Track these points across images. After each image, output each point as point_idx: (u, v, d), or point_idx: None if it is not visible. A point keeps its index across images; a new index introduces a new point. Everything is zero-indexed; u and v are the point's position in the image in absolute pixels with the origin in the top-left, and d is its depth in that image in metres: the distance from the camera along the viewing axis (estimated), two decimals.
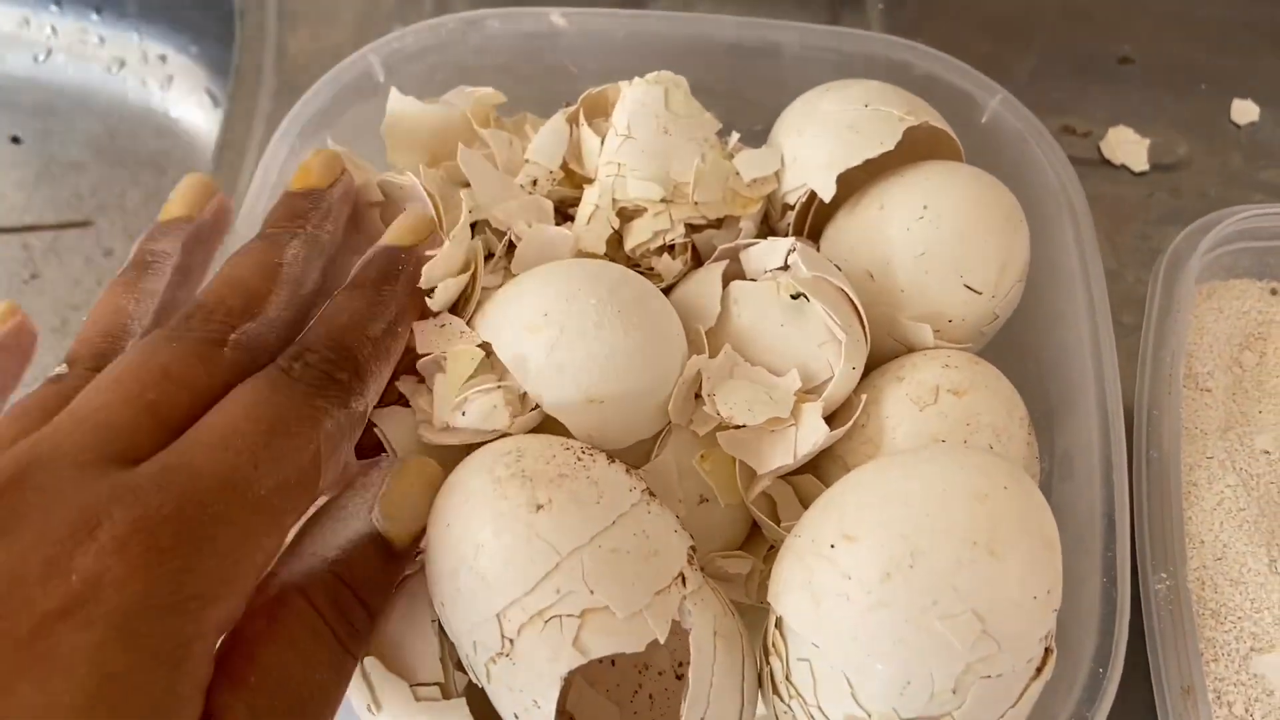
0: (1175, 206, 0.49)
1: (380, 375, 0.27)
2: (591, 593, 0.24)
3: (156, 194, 0.57)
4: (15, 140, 0.58)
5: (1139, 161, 0.50)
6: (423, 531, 0.26)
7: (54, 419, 0.22)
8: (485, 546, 0.25)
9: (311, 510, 0.26)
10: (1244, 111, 0.52)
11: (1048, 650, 0.26)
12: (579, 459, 0.27)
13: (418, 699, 0.27)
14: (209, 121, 0.58)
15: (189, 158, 0.58)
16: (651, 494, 0.28)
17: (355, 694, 0.27)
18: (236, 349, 0.24)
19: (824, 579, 0.25)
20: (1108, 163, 0.50)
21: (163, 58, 0.60)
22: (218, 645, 0.21)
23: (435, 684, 0.27)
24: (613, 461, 0.28)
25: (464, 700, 0.27)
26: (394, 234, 0.29)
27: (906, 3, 0.55)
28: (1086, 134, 0.51)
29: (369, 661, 0.28)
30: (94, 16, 0.61)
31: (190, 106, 0.59)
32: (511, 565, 0.25)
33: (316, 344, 0.25)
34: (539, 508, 0.25)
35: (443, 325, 0.32)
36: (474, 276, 0.32)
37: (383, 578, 0.25)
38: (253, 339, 0.24)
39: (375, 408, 0.31)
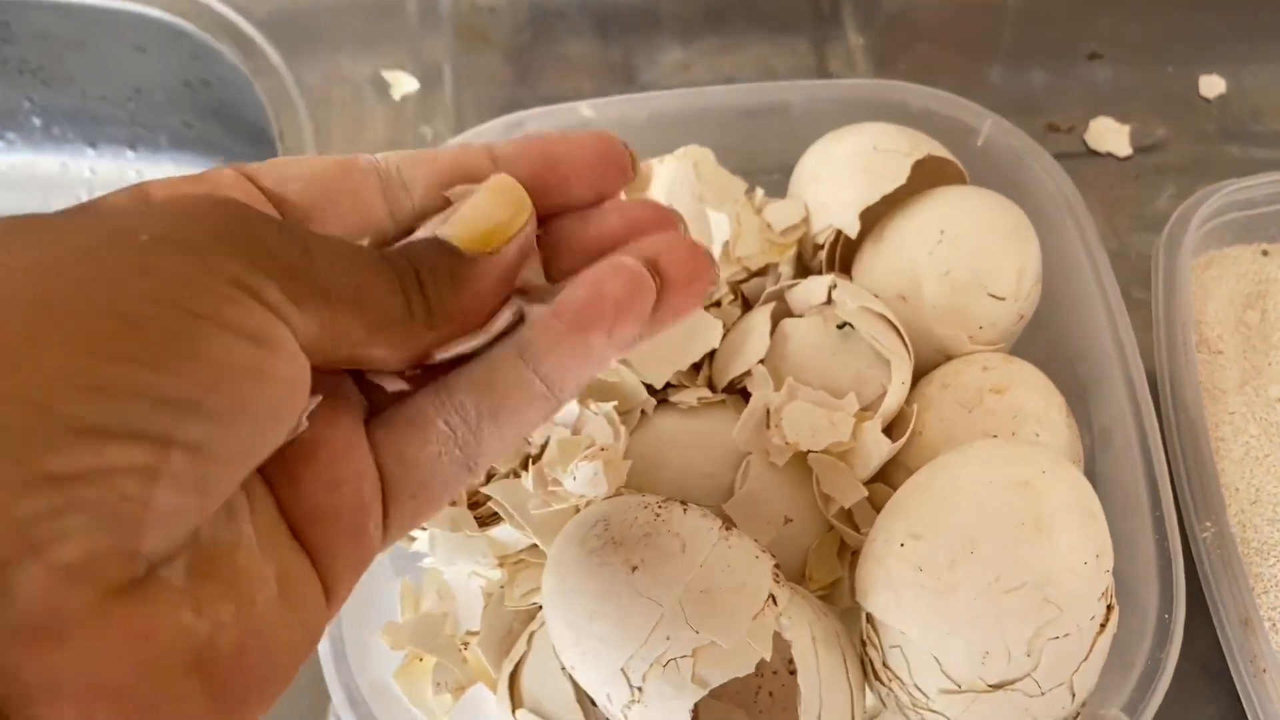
0: (1163, 184, 0.53)
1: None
2: (697, 632, 0.28)
3: None
4: None
5: (1123, 147, 0.54)
6: (504, 244, 0.20)
7: None
8: (597, 612, 0.29)
9: None
10: (1211, 86, 0.56)
11: (1109, 606, 0.30)
12: (657, 514, 0.31)
13: None
14: None
15: None
16: (727, 526, 0.31)
17: None
18: None
19: (900, 574, 0.29)
20: (1094, 153, 0.54)
21: None
22: None
23: None
24: (686, 508, 0.31)
25: None
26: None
27: (885, 33, 0.59)
28: (1071, 129, 0.55)
29: (521, 713, 0.31)
30: (129, 154, 0.64)
31: None
32: (624, 624, 0.28)
33: None
34: (634, 568, 0.29)
35: None
36: None
37: (447, 272, 0.20)
38: None
39: (487, 481, 0.35)
